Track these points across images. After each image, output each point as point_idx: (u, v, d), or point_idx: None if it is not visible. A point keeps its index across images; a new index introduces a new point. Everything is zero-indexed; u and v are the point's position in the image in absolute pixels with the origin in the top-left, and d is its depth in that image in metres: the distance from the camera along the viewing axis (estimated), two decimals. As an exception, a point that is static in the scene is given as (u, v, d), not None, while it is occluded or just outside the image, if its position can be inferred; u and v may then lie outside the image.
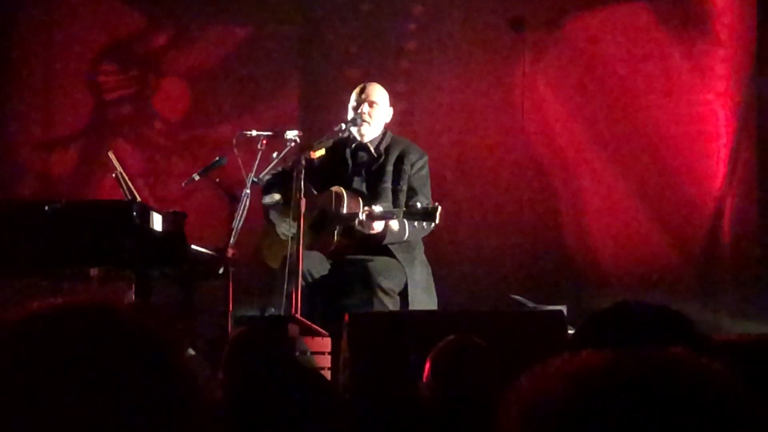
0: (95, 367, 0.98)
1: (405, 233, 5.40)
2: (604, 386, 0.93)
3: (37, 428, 0.95)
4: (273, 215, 5.70)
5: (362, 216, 5.30)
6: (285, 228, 5.56)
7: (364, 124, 5.65)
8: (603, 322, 1.72)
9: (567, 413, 0.92)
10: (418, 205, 5.20)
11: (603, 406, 0.91)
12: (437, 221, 5.14)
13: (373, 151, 5.68)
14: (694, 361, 0.96)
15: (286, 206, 5.50)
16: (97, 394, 0.97)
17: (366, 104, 5.66)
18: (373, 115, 5.67)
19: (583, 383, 0.93)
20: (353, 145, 5.71)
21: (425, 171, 5.70)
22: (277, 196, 5.63)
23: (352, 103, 5.70)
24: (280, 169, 5.67)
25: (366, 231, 5.35)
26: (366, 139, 5.69)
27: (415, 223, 5.33)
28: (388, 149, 5.69)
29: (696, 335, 1.68)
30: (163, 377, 1.01)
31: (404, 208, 5.33)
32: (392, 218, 5.32)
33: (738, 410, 0.92)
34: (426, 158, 5.73)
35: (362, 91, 5.72)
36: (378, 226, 5.35)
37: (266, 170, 5.54)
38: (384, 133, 5.74)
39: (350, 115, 5.68)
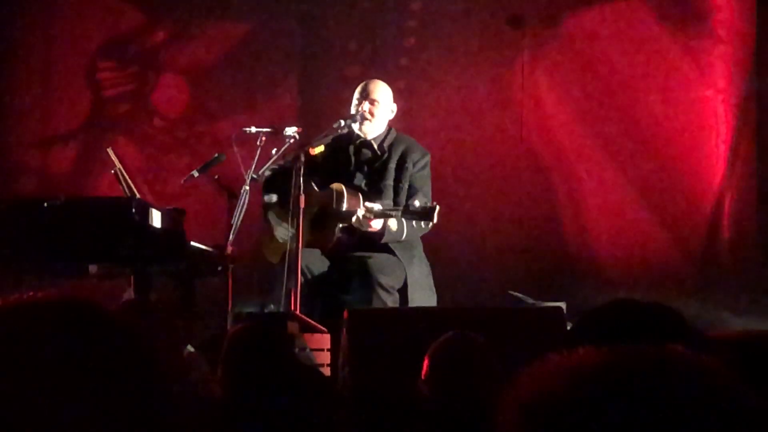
0: (64, 364, 0.97)
1: (403, 232, 5.40)
2: (603, 382, 0.93)
3: (15, 428, 0.94)
4: (271, 216, 5.70)
5: (360, 214, 5.31)
6: (282, 232, 5.57)
7: (366, 121, 5.64)
8: (596, 320, 1.72)
9: (566, 409, 0.92)
10: (417, 203, 5.19)
11: (601, 402, 0.91)
12: (435, 221, 5.13)
13: (376, 148, 5.68)
14: (692, 358, 0.96)
15: (284, 209, 5.51)
16: (61, 391, 0.96)
17: (367, 102, 5.66)
18: (375, 112, 5.66)
19: (582, 379, 0.94)
20: (357, 142, 5.71)
21: (427, 170, 5.70)
22: (274, 197, 5.64)
23: (354, 100, 5.70)
24: (281, 162, 5.66)
25: (364, 228, 5.36)
26: (369, 137, 5.69)
27: (413, 223, 5.33)
28: (391, 147, 5.68)
29: (689, 331, 1.68)
30: (138, 373, 1.00)
31: (402, 207, 5.32)
32: (390, 217, 5.32)
33: (736, 406, 0.92)
34: (428, 157, 5.72)
35: (364, 88, 5.72)
36: (376, 224, 5.35)
37: (265, 166, 5.54)
38: (388, 131, 5.73)
39: (352, 111, 5.68)
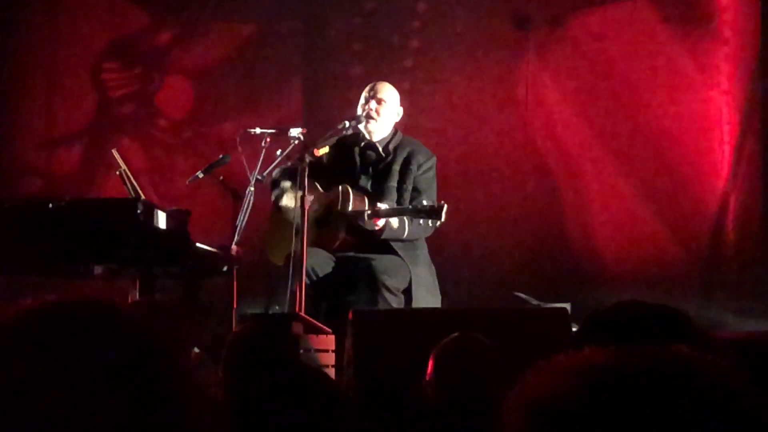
0: (88, 364, 0.98)
1: (404, 231, 5.41)
2: (609, 383, 0.93)
3: (31, 426, 0.95)
4: (277, 190, 5.71)
5: (367, 214, 5.32)
6: (287, 200, 5.59)
7: (371, 121, 5.66)
8: (602, 322, 1.72)
9: (571, 410, 0.92)
10: (424, 202, 5.23)
11: (608, 402, 0.91)
12: (443, 219, 5.15)
13: (381, 150, 5.69)
14: (698, 359, 0.96)
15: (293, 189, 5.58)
16: (89, 390, 0.97)
17: (374, 101, 5.68)
18: (381, 112, 5.69)
19: (588, 380, 0.94)
20: (362, 144, 5.72)
21: (432, 173, 5.71)
22: (288, 183, 5.67)
23: (361, 99, 5.72)
24: (287, 164, 5.68)
25: (370, 228, 5.37)
26: (375, 138, 5.70)
27: (420, 221, 5.34)
28: (396, 149, 5.70)
29: (695, 332, 1.68)
30: (158, 374, 1.01)
31: (410, 207, 5.34)
32: (397, 216, 5.34)
33: (741, 407, 0.92)
34: (434, 160, 5.74)
35: (372, 88, 5.74)
36: (382, 224, 5.37)
37: (270, 167, 5.55)
38: (394, 133, 5.75)
39: (359, 111, 5.70)
